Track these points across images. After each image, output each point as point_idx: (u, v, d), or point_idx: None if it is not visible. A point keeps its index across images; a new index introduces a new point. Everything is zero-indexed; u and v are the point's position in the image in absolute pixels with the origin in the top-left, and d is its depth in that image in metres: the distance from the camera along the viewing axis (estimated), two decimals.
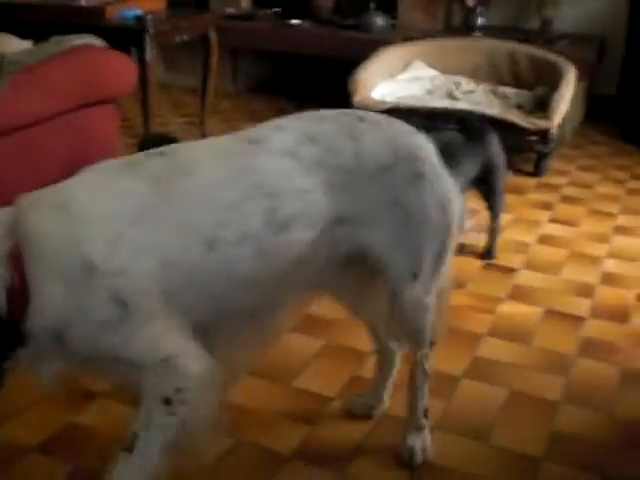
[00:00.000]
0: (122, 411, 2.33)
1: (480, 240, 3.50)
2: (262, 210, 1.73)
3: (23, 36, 3.79)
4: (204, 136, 4.84)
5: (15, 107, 2.67)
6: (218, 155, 1.79)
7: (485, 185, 3.32)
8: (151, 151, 1.79)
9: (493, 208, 3.40)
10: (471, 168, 3.18)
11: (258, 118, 5.35)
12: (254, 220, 1.72)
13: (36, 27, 3.97)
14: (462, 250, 3.36)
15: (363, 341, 2.56)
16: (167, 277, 1.64)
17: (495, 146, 3.30)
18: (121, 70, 3.11)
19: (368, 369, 2.53)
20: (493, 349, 2.74)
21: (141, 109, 4.35)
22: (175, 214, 1.67)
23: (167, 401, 1.66)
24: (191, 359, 1.68)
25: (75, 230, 1.59)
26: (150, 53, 4.14)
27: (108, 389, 2.43)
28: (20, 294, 1.54)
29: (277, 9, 6.00)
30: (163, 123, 5.24)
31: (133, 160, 1.77)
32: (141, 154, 1.80)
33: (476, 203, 3.44)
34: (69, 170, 2.92)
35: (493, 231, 3.45)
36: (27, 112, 2.74)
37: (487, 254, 3.44)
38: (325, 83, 5.59)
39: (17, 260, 1.54)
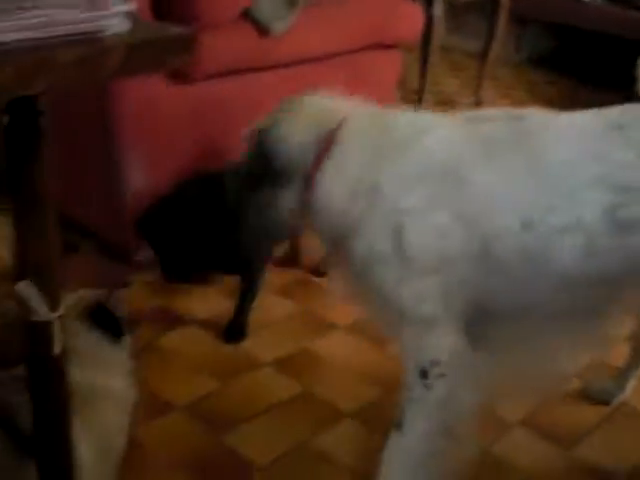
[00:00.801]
0: (358, 347, 2.40)
1: None
2: (604, 203, 1.58)
3: None
4: (478, 102, 4.79)
5: (302, 40, 2.74)
6: (574, 133, 1.66)
7: None
8: (510, 112, 1.73)
9: None
10: None
11: (534, 90, 5.23)
12: (591, 212, 1.58)
13: None
14: None
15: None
16: (455, 237, 1.58)
17: None
18: (409, 17, 3.12)
19: (613, 355, 2.40)
20: None
21: (419, 65, 4.35)
22: (499, 181, 1.59)
23: (424, 374, 1.64)
24: (449, 334, 1.63)
25: (381, 155, 1.64)
26: (439, 8, 4.13)
27: (350, 323, 2.50)
28: (308, 183, 1.71)
29: None
30: (437, 83, 5.23)
31: (473, 116, 1.75)
32: (492, 112, 1.76)
33: None
34: None
35: None
36: (313, 46, 2.80)
37: None
38: (608, 62, 5.36)
39: (323, 152, 1.69)
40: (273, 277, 2.69)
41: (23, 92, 0.85)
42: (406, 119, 1.73)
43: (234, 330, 2.40)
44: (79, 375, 1.44)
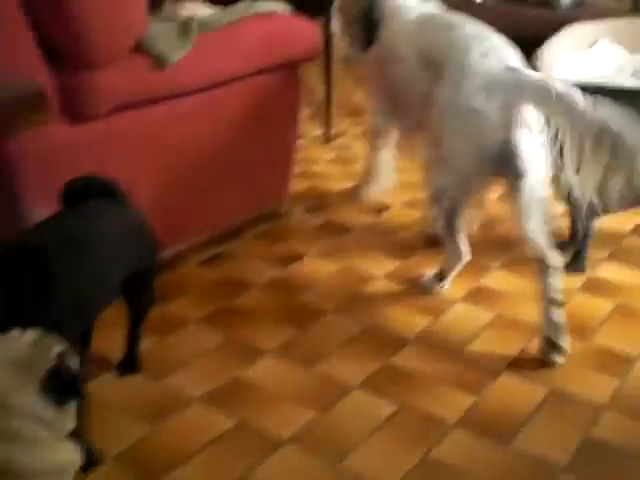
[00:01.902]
0: (289, 370, 2.37)
1: None
2: None
3: (214, 3, 3.87)
4: None
5: (200, 67, 2.71)
6: None
7: None
8: None
9: None
10: None
11: None
12: None
13: None
14: None
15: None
16: None
17: None
18: (306, 35, 3.11)
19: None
20: None
21: (324, 80, 4.36)
22: None
23: None
24: None
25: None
26: (336, 24, 4.14)
27: (278, 346, 2.48)
28: None
29: None
30: (345, 95, 5.25)
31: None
32: None
33: None
34: (249, 132, 3.00)
35: None
36: (211, 73, 2.77)
37: None
38: None
39: None
40: (193, 307, 2.68)
41: None
42: None
43: None
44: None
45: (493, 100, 2.33)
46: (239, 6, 3.02)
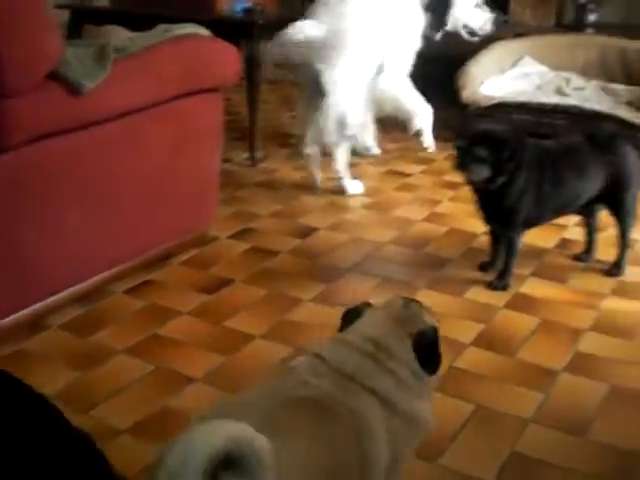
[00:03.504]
0: (218, 397, 2.34)
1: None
2: None
3: (134, 29, 3.85)
4: None
5: (117, 93, 2.68)
6: None
7: (613, 199, 3.04)
8: None
9: (622, 223, 3.10)
10: (597, 179, 2.96)
11: None
12: None
13: (147, 19, 4.03)
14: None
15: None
16: None
17: (628, 157, 3.00)
18: (225, 58, 3.10)
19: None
20: (594, 344, 2.65)
21: (248, 103, 4.37)
22: None
23: None
24: None
25: None
26: (258, 46, 4.15)
27: (206, 373, 2.45)
28: None
29: None
30: (271, 118, 5.27)
31: None
32: None
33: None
34: (171, 157, 2.98)
35: (623, 247, 3.15)
36: (129, 98, 2.75)
37: (615, 270, 3.16)
38: (434, 79, 5.53)
39: None
40: (119, 337, 2.64)
41: None
42: None
43: None
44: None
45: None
46: (156, 30, 3.00)
